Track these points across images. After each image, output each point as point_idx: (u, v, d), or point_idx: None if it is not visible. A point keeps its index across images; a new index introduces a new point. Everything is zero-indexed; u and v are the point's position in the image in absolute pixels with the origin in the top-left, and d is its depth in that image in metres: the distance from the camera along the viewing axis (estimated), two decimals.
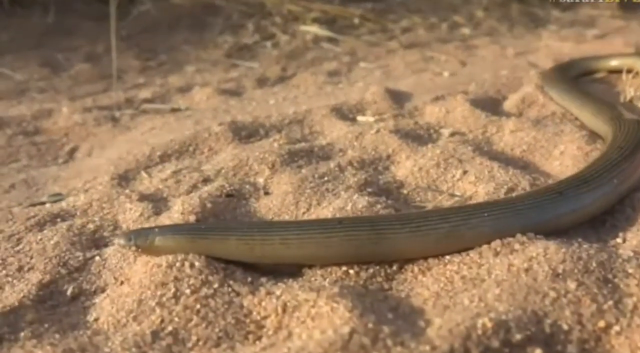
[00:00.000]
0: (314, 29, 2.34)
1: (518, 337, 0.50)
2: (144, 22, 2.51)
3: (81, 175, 1.16)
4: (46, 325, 0.60)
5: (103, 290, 0.69)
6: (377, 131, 1.16)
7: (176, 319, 0.58)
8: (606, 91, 1.38)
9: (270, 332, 0.56)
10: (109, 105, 1.65)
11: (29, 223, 0.87)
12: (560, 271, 0.58)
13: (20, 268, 0.75)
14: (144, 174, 1.11)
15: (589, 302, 0.54)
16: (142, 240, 0.67)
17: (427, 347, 0.48)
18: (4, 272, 0.74)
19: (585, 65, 1.49)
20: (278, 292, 0.60)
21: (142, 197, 0.94)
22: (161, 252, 0.67)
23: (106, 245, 0.81)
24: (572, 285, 0.56)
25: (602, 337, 0.52)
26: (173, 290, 0.62)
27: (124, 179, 1.09)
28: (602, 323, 0.52)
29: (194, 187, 0.99)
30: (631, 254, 0.62)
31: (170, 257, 0.66)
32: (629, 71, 1.35)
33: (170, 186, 1.00)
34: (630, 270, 0.58)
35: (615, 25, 2.34)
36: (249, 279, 0.65)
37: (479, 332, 0.50)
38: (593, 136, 1.05)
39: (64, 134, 1.47)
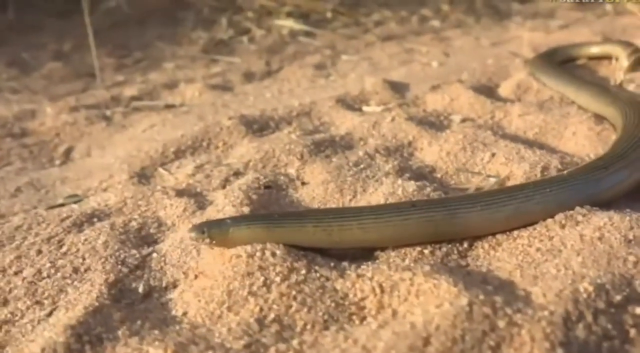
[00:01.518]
0: (290, 24, 2.33)
1: (618, 298, 0.54)
2: (113, 18, 2.43)
3: (93, 175, 1.12)
4: (138, 323, 0.58)
5: (175, 286, 0.68)
6: (393, 119, 1.19)
7: (275, 306, 0.58)
8: (592, 76, 1.46)
9: (373, 312, 0.57)
10: (96, 104, 1.59)
11: (65, 225, 0.84)
12: (631, 237, 0.63)
13: (75, 270, 0.72)
14: (162, 171, 1.08)
15: None
16: (216, 232, 0.67)
17: (545, 313, 0.51)
18: (58, 274, 0.71)
19: (568, 52, 1.57)
20: (369, 274, 0.61)
21: (178, 193, 0.92)
22: (236, 243, 0.67)
23: (156, 242, 0.80)
24: None
25: None
26: (262, 279, 0.62)
27: (143, 177, 1.06)
28: None
29: (227, 180, 0.98)
30: None
31: (249, 247, 0.66)
32: (617, 58, 1.44)
33: (201, 181, 0.98)
34: None
35: (575, 16, 2.47)
36: (332, 264, 0.65)
37: (584, 295, 0.53)
38: (598, 117, 1.11)
39: (55, 134, 1.41)
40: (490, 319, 0.50)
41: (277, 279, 0.61)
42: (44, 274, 0.71)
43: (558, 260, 0.62)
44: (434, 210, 0.67)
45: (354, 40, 2.23)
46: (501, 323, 0.50)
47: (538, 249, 0.65)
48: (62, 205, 0.98)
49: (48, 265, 0.73)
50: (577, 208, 0.70)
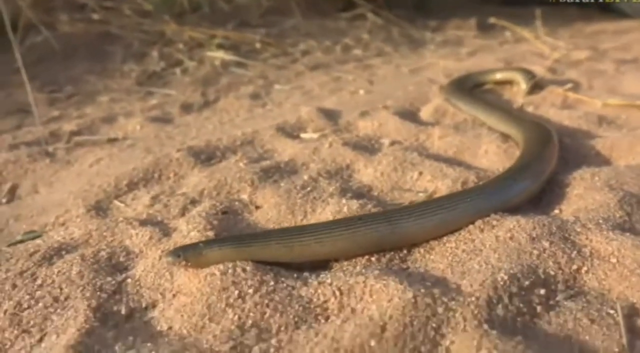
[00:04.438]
0: (221, 55, 2.43)
1: (526, 283, 0.68)
2: (37, 53, 2.41)
3: (47, 211, 1.15)
4: (130, 338, 0.66)
5: (154, 306, 0.75)
6: (330, 145, 1.31)
7: (251, 314, 0.68)
8: (498, 99, 1.67)
9: (336, 311, 0.68)
10: (35, 141, 1.60)
11: (35, 259, 0.88)
12: (534, 235, 0.78)
13: (55, 299, 0.77)
14: (118, 203, 1.14)
15: (561, 254, 0.74)
16: (191, 255, 0.75)
17: (473, 298, 0.64)
18: (40, 304, 0.76)
19: (476, 78, 1.78)
20: (328, 281, 0.72)
21: (142, 223, 0.99)
22: (209, 263, 0.76)
23: (127, 269, 0.86)
24: (546, 244, 0.76)
25: (576, 276, 0.71)
26: (236, 292, 0.71)
27: (99, 210, 1.11)
28: (574, 267, 0.72)
29: (185, 208, 1.05)
30: (573, 219, 0.83)
31: (221, 266, 0.75)
32: (517, 83, 1.65)
33: (161, 210, 1.05)
34: (578, 229, 0.80)
35: (480, 44, 2.76)
36: (295, 275, 0.75)
37: (501, 283, 0.67)
38: (504, 136, 1.30)
39: None
40: (431, 307, 0.62)
41: (250, 291, 0.71)
42: (25, 305, 0.76)
43: (480, 257, 0.75)
44: (377, 222, 0.79)
45: (284, 70, 2.36)
46: (440, 309, 0.62)
47: (464, 250, 0.79)
48: (21, 241, 1.02)
49: (27, 297, 0.78)
50: (492, 214, 0.85)
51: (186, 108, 1.89)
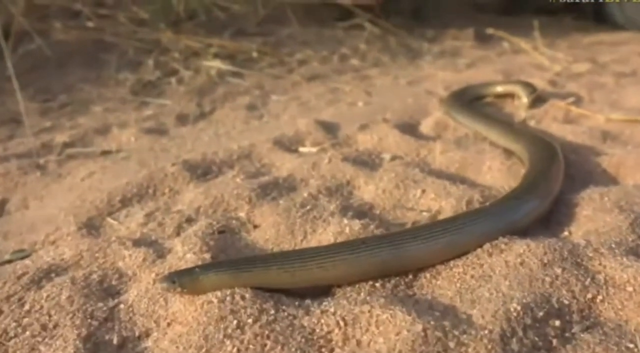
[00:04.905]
0: (217, 64, 2.40)
1: (540, 313, 0.65)
2: (31, 61, 2.37)
3: (37, 228, 1.11)
4: None
5: (147, 334, 0.71)
6: (330, 160, 1.28)
7: (251, 346, 0.64)
8: (499, 113, 1.65)
9: (340, 343, 0.65)
10: (26, 153, 1.56)
11: (23, 282, 0.84)
12: (546, 261, 0.75)
13: (44, 327, 0.73)
14: (111, 221, 1.10)
15: (575, 281, 0.71)
16: (186, 281, 0.71)
17: (486, 331, 0.60)
18: (27, 333, 0.72)
19: (476, 91, 1.76)
20: (332, 310, 0.69)
21: (135, 243, 0.95)
22: (205, 290, 0.72)
23: (120, 293, 0.82)
24: (558, 270, 0.73)
25: (592, 306, 0.68)
26: (235, 321, 0.67)
27: (92, 228, 1.07)
28: (589, 295, 0.69)
29: (180, 227, 1.02)
30: (584, 242, 0.80)
31: (219, 293, 0.71)
32: (518, 97, 1.63)
33: (155, 229, 1.01)
34: (590, 254, 0.77)
35: (478, 54, 2.74)
36: (297, 303, 0.72)
37: (514, 314, 0.64)
38: (507, 152, 1.27)
39: None
40: (442, 341, 0.59)
41: (250, 321, 0.67)
42: (11, 334, 0.72)
43: (490, 284, 0.72)
44: (381, 246, 0.76)
45: (281, 80, 2.33)
46: (452, 344, 0.59)
47: (472, 276, 0.76)
48: (9, 261, 0.98)
49: (13, 324, 0.74)
50: (500, 237, 0.82)
51: (181, 119, 1.86)
